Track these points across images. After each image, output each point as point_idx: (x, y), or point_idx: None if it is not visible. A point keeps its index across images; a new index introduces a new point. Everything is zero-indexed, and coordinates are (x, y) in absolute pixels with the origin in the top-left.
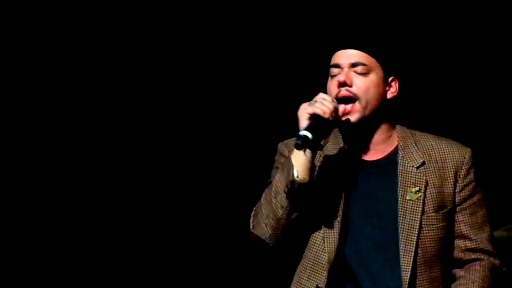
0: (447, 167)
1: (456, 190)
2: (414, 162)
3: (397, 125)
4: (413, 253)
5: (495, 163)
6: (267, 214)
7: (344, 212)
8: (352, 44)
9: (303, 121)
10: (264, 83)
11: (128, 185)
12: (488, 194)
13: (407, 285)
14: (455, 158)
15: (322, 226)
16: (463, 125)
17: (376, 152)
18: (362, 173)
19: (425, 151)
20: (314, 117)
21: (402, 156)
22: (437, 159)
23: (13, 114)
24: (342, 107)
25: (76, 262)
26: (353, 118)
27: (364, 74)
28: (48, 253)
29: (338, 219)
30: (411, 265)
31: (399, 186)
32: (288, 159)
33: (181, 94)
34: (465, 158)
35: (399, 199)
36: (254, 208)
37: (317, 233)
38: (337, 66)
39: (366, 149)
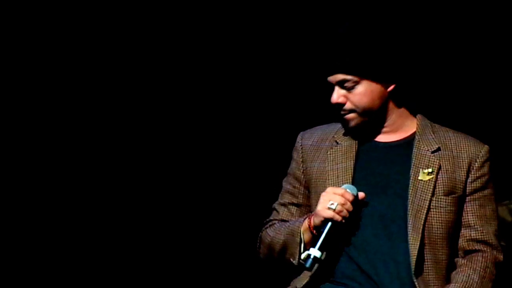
0: (462, 157)
1: (468, 180)
2: (430, 147)
3: (418, 114)
4: (421, 231)
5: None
6: (271, 254)
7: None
8: (333, 70)
9: (319, 221)
10: (269, 82)
11: (128, 184)
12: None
13: (415, 261)
14: (471, 151)
15: None
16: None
17: (391, 135)
18: (375, 154)
19: (441, 140)
20: (331, 221)
21: (418, 140)
22: (453, 148)
23: (11, 114)
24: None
25: (75, 262)
26: (352, 123)
27: (352, 87)
28: (47, 253)
29: None
30: (419, 241)
31: (412, 167)
32: (295, 236)
33: (182, 93)
34: (481, 152)
35: (411, 178)
36: (264, 234)
37: None
38: (330, 83)
39: (379, 133)
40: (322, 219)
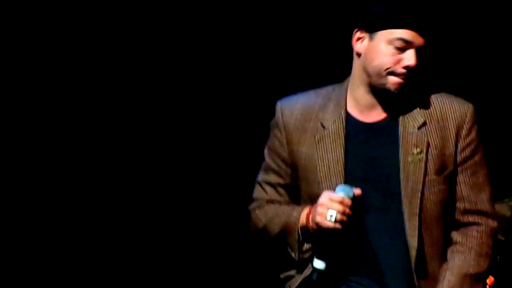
0: (449, 127)
1: (458, 150)
2: (415, 122)
3: None
4: (417, 218)
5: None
6: (264, 238)
7: (346, 178)
8: (420, 31)
9: (318, 228)
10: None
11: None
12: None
13: (415, 253)
14: (457, 116)
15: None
16: None
17: (373, 113)
18: (362, 136)
19: (425, 110)
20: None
21: (403, 116)
22: (438, 118)
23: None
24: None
25: (74, 262)
26: (401, 89)
27: (422, 53)
28: (46, 253)
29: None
30: (417, 230)
31: (400, 147)
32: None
33: (175, 92)
34: (467, 116)
35: (401, 162)
36: (255, 216)
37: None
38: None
39: (365, 111)
40: (318, 226)
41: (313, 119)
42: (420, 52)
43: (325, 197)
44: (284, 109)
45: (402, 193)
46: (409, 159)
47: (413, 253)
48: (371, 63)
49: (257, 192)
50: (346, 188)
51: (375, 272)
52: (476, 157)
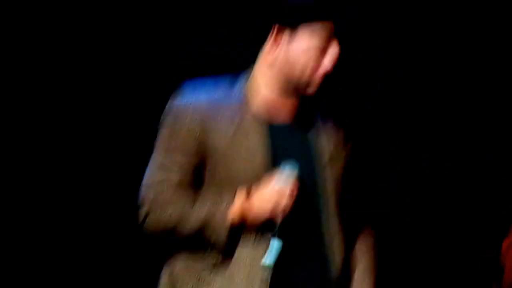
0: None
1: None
2: (324, 121)
3: None
4: (334, 218)
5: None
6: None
7: (267, 169)
8: (339, 30)
9: (263, 220)
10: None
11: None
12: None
13: (336, 258)
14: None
15: None
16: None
17: (283, 114)
18: (278, 140)
19: (325, 108)
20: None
21: (311, 119)
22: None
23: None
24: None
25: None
26: (316, 90)
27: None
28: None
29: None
30: (336, 234)
31: (313, 148)
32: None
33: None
34: None
35: (316, 162)
36: (157, 214)
37: None
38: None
39: (273, 112)
40: (267, 221)
41: (222, 113)
42: (340, 50)
43: (274, 190)
44: (189, 102)
45: (320, 196)
46: (325, 159)
47: (335, 258)
48: (294, 65)
49: (154, 193)
50: (291, 166)
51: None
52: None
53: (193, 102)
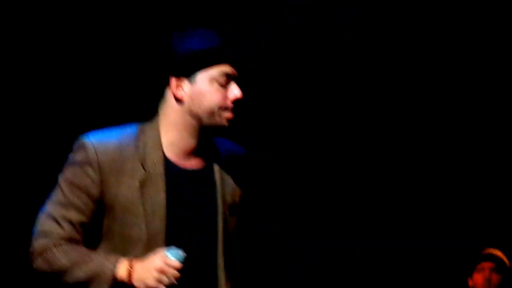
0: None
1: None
2: (228, 171)
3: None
4: (223, 267)
5: None
6: (58, 278)
7: (168, 222)
8: (232, 63)
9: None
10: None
11: None
12: None
13: None
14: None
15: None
16: None
17: (194, 160)
18: (182, 181)
19: (224, 162)
20: None
21: (220, 165)
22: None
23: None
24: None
25: None
26: (228, 123)
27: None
28: None
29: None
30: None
31: (218, 197)
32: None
33: None
34: None
35: (219, 212)
36: (50, 254)
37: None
38: (226, 76)
39: (186, 156)
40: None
41: (131, 160)
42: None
43: (161, 262)
44: (97, 147)
45: (218, 246)
46: (226, 211)
47: None
48: (201, 105)
49: (50, 226)
50: (178, 252)
51: None
52: None
53: (99, 153)
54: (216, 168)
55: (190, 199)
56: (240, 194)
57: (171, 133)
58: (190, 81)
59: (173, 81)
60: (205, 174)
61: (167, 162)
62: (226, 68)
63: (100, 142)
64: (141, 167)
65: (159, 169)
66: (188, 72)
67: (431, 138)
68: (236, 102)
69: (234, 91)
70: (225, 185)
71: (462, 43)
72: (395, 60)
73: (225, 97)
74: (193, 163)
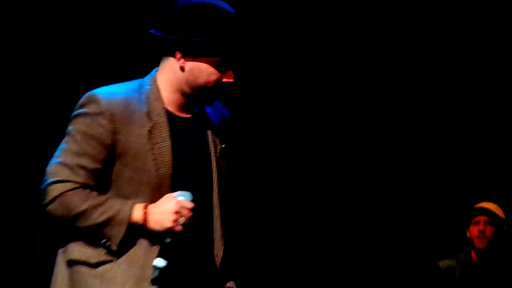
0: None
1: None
2: (217, 116)
3: None
4: (221, 220)
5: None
6: (74, 222)
7: (174, 166)
8: (233, 51)
9: (161, 229)
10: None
11: None
12: None
13: (221, 256)
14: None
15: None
16: None
17: (189, 111)
18: (182, 128)
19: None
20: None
21: (209, 114)
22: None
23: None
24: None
25: None
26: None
27: None
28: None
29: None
30: (222, 235)
31: (210, 143)
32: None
33: None
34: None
35: (212, 160)
36: (67, 199)
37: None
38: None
39: (180, 110)
40: (166, 230)
41: (138, 111)
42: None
43: (176, 204)
44: (108, 98)
45: (214, 195)
46: (218, 156)
47: (220, 255)
48: (196, 81)
49: (65, 174)
50: (189, 194)
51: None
52: None
53: (111, 104)
54: (205, 117)
55: (189, 145)
56: (226, 141)
57: (168, 89)
58: (194, 57)
59: (178, 54)
60: (197, 122)
61: (167, 112)
62: (228, 58)
63: (109, 94)
64: (147, 117)
65: (163, 119)
66: (195, 54)
67: (431, 138)
68: (227, 85)
69: (229, 76)
70: (214, 132)
71: (462, 43)
72: (395, 60)
73: (219, 79)
74: (187, 114)
